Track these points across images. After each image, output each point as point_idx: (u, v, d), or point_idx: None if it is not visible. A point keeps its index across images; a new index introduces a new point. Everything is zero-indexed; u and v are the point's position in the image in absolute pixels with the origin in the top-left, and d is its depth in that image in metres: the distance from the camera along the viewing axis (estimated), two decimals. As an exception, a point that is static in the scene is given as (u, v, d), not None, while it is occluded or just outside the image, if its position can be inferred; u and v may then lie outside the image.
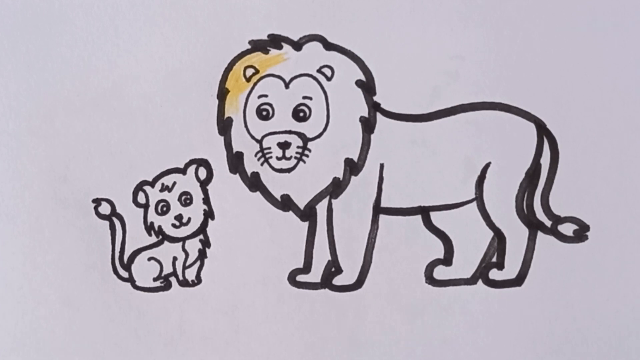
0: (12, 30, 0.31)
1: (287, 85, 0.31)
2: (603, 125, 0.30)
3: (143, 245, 0.30)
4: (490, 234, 0.31)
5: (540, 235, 0.31)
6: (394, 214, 0.31)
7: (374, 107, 0.31)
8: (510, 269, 0.31)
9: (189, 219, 0.31)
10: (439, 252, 0.31)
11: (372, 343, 0.30)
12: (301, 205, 0.31)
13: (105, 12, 0.31)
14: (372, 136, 0.31)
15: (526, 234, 0.31)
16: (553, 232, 0.31)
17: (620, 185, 0.30)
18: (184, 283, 0.30)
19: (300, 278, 0.31)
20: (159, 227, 0.30)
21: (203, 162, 0.31)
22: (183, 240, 0.30)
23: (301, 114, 0.31)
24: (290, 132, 0.31)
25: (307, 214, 0.31)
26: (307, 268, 0.31)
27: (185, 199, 0.31)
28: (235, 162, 0.31)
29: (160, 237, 0.30)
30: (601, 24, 0.31)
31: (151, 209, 0.31)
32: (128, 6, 0.31)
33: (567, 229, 0.31)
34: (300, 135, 0.31)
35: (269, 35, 0.31)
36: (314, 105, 0.31)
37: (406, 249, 0.31)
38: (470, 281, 0.31)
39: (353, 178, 0.31)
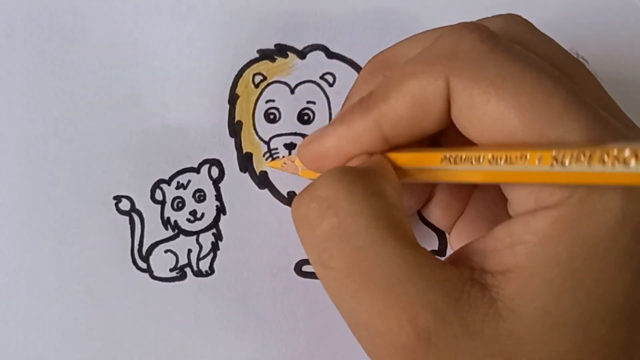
0: (40, 43, 0.32)
1: (292, 91, 0.32)
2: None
3: (160, 239, 0.31)
4: (480, 227, 0.32)
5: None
6: (392, 209, 0.32)
7: (372, 111, 0.32)
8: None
9: (203, 214, 0.32)
10: (434, 244, 0.32)
11: (372, 328, 0.32)
12: (306, 201, 0.32)
13: (125, 25, 0.33)
14: (371, 137, 0.32)
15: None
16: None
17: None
18: (198, 273, 0.31)
19: (306, 268, 0.32)
20: (175, 221, 0.32)
21: (215, 162, 0.32)
22: (197, 233, 0.32)
23: (305, 117, 0.32)
24: (295, 134, 0.32)
25: (312, 209, 0.32)
26: (311, 259, 0.32)
27: (199, 196, 0.32)
28: (245, 162, 0.32)
29: (176, 231, 0.32)
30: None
31: (168, 205, 0.32)
32: (146, 19, 0.33)
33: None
34: (305, 136, 0.31)
35: (275, 45, 0.32)
36: (317, 109, 0.32)
37: (403, 241, 0.32)
38: (463, 270, 0.32)
39: (354, 176, 0.32)
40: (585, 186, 0.19)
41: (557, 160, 0.18)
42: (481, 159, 0.20)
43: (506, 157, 0.19)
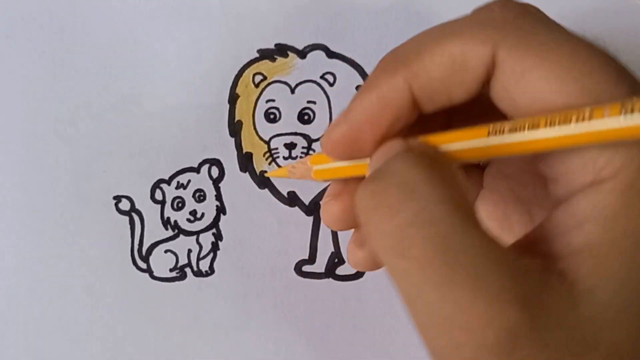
0: (40, 43, 0.32)
1: (292, 91, 0.32)
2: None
3: (160, 239, 0.31)
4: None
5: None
6: (392, 209, 0.32)
7: (373, 111, 0.32)
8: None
9: (203, 214, 0.32)
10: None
11: (372, 327, 0.31)
12: (306, 201, 0.32)
13: (125, 25, 0.33)
14: (371, 137, 0.32)
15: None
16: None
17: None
18: (198, 273, 0.31)
19: (306, 268, 0.32)
20: (175, 221, 0.32)
21: (215, 162, 0.32)
22: (197, 233, 0.32)
23: (306, 117, 0.32)
24: (295, 133, 0.32)
25: (312, 209, 0.32)
26: (312, 259, 0.32)
27: (199, 196, 0.32)
28: (245, 161, 0.32)
29: (176, 231, 0.32)
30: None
31: (167, 205, 0.32)
32: (146, 18, 0.33)
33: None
34: (305, 136, 0.32)
35: (276, 45, 0.32)
36: (317, 108, 0.32)
37: (404, 241, 0.32)
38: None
39: (354, 176, 0.32)
40: None
41: (627, 111, 0.16)
42: (535, 124, 0.18)
43: (565, 117, 0.17)
